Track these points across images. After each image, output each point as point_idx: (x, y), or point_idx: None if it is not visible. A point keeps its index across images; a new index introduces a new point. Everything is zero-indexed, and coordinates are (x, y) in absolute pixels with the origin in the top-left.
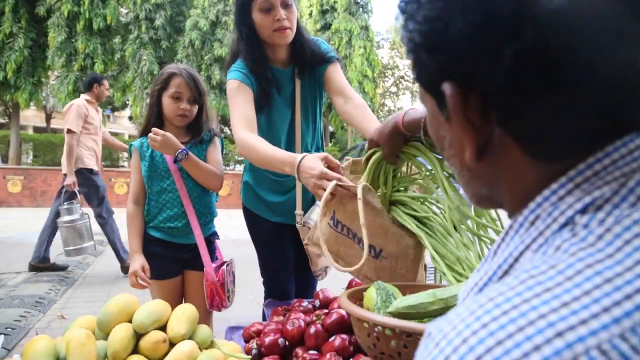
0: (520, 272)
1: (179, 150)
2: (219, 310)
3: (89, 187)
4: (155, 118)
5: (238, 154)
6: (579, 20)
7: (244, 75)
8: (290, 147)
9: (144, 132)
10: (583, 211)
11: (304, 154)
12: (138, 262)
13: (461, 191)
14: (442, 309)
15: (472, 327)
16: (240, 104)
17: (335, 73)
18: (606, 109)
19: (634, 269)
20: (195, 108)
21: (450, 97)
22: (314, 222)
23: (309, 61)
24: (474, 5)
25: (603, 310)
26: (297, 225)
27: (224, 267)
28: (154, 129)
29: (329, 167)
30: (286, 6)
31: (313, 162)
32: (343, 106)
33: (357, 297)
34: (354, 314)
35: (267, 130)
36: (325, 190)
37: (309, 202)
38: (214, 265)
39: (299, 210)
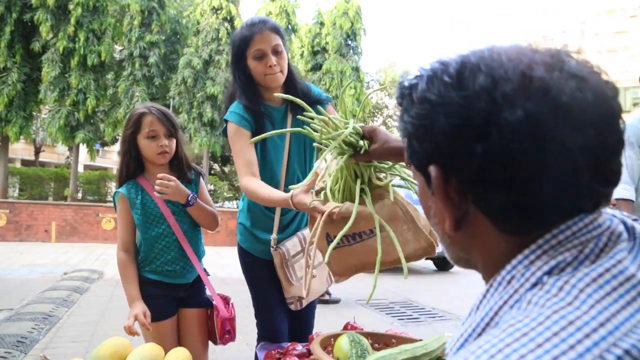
0: (502, 323)
1: (191, 195)
2: (225, 344)
3: None
4: (135, 162)
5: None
6: (532, 131)
7: (241, 117)
8: (286, 181)
9: (124, 180)
10: (549, 273)
11: (291, 192)
12: (139, 307)
13: None
14: (409, 358)
15: None
16: (241, 150)
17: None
18: (560, 197)
19: (589, 312)
20: (174, 143)
21: (435, 178)
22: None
23: (300, 99)
24: (453, 111)
25: (570, 348)
26: (271, 249)
27: (231, 301)
28: (164, 175)
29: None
30: (276, 53)
31: (304, 197)
32: None
33: (327, 343)
34: None
35: (261, 162)
36: (319, 213)
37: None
38: (215, 302)
39: (274, 235)
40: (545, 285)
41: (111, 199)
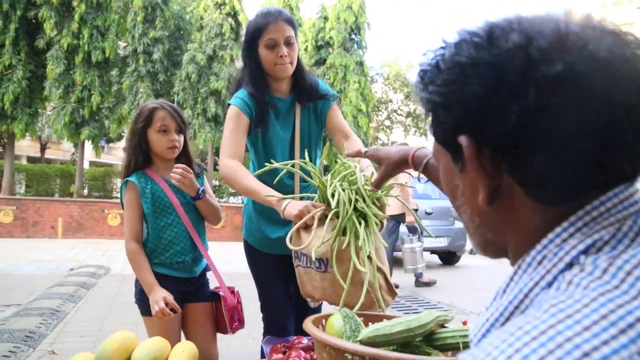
0: (541, 304)
1: (201, 189)
2: (234, 332)
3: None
4: (143, 156)
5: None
6: (572, 85)
7: (243, 102)
8: (286, 173)
9: (130, 172)
10: (585, 252)
11: (289, 200)
12: (163, 291)
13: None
14: (404, 330)
15: (506, 352)
16: (232, 132)
17: (335, 113)
18: (599, 158)
19: (639, 297)
20: (182, 138)
21: (467, 147)
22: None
23: (307, 91)
24: (485, 71)
25: (620, 332)
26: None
27: (236, 289)
28: (182, 166)
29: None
30: (288, 44)
31: (298, 204)
32: (343, 142)
33: (318, 323)
34: (326, 342)
35: (262, 148)
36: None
37: None
38: (222, 293)
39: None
40: (585, 266)
41: (117, 195)
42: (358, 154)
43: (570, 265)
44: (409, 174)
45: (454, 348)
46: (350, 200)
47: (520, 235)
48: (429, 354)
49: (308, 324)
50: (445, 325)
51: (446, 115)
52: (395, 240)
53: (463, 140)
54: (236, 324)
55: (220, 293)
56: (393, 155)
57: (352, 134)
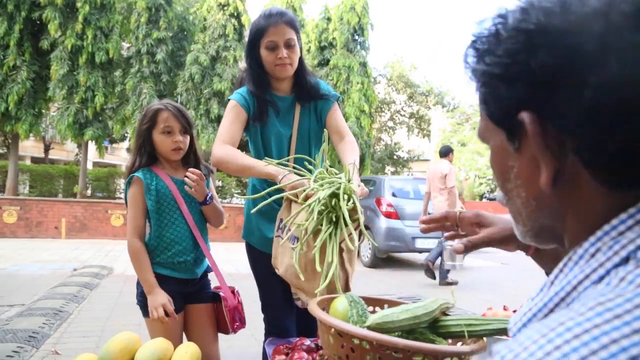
0: (587, 299)
1: (209, 195)
2: (236, 332)
3: None
4: (148, 157)
5: (214, 163)
6: None
7: (242, 97)
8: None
9: (134, 171)
10: None
11: (286, 172)
12: (164, 295)
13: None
14: (411, 317)
15: (544, 348)
16: (230, 122)
17: (335, 114)
18: None
19: None
20: (188, 139)
21: (531, 124)
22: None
23: (308, 91)
24: (557, 40)
25: None
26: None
27: (236, 289)
28: (194, 170)
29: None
30: (289, 46)
31: (292, 176)
32: (338, 144)
33: (322, 306)
34: (332, 325)
35: (262, 146)
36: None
37: None
38: (222, 293)
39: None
40: None
41: (120, 195)
42: (442, 219)
43: (626, 260)
44: (411, 174)
45: (458, 336)
46: (332, 194)
47: (581, 219)
48: (433, 342)
49: (313, 306)
50: (448, 312)
51: (507, 88)
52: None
53: (525, 116)
54: (237, 323)
55: (221, 293)
56: (507, 221)
57: (347, 135)
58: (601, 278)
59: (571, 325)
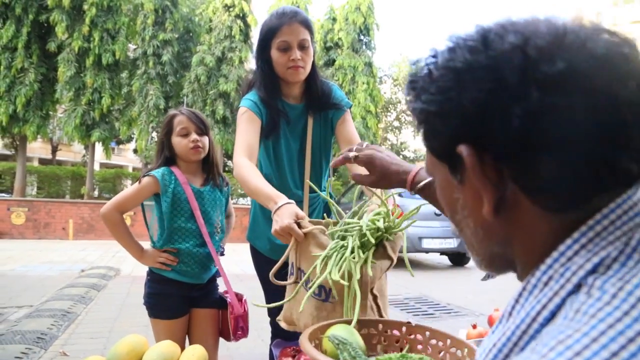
0: (548, 338)
1: (222, 249)
2: (237, 340)
3: None
4: (166, 161)
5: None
6: (576, 83)
7: (254, 104)
8: (296, 180)
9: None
10: (593, 271)
11: (286, 201)
12: (152, 250)
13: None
14: None
15: None
16: (244, 130)
17: (346, 123)
18: (606, 158)
19: None
20: (206, 140)
21: (468, 156)
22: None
23: (319, 99)
24: (483, 75)
25: None
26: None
27: (244, 298)
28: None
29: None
30: (302, 48)
31: (286, 213)
32: None
33: (314, 337)
34: None
35: (274, 158)
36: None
37: None
38: (229, 299)
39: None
40: (593, 290)
41: None
42: (346, 161)
43: (578, 287)
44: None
45: None
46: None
47: (528, 245)
48: None
49: (304, 341)
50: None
51: (443, 124)
52: None
53: (463, 149)
54: (239, 332)
55: (228, 300)
56: (391, 172)
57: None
58: (558, 307)
59: None
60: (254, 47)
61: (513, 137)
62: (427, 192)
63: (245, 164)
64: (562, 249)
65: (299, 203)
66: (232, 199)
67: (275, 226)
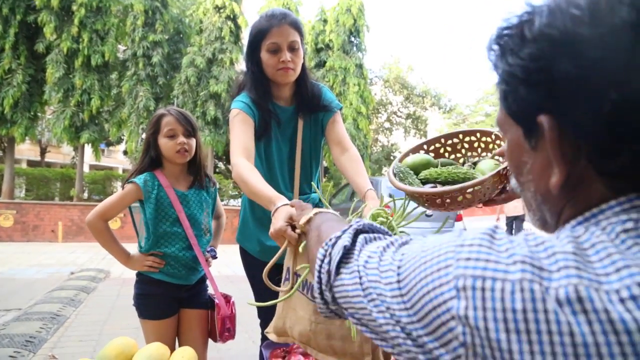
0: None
1: (213, 253)
2: (224, 342)
3: None
4: (151, 162)
5: (233, 180)
6: None
7: (246, 105)
8: (287, 182)
9: (137, 174)
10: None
11: (283, 202)
12: (138, 255)
13: None
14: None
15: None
16: (239, 131)
17: (336, 124)
18: None
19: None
20: (193, 142)
21: (549, 130)
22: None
23: (309, 101)
24: (582, 50)
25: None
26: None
27: (232, 300)
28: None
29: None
30: (292, 49)
31: (281, 216)
32: (339, 157)
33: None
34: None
35: (265, 160)
36: (277, 241)
37: None
38: (217, 301)
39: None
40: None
41: None
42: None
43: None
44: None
45: None
46: None
47: (574, 212)
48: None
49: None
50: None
51: (528, 91)
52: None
53: (545, 121)
54: (226, 334)
55: (216, 301)
56: None
57: (350, 148)
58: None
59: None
60: (245, 48)
61: (601, 120)
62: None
63: (244, 164)
64: (594, 211)
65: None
66: (222, 201)
67: (271, 228)
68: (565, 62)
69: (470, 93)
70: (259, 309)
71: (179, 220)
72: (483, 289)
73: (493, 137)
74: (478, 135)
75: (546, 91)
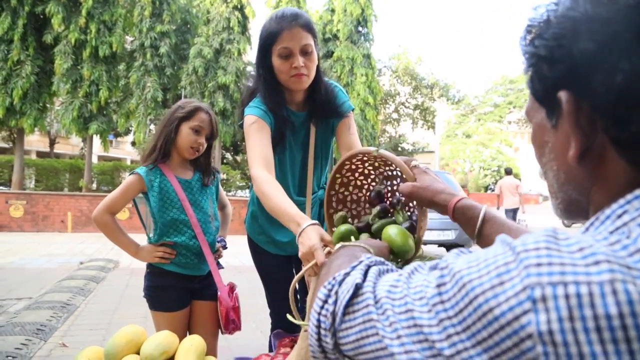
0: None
1: (223, 244)
2: (231, 333)
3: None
4: (167, 145)
5: (249, 181)
6: None
7: (263, 112)
8: (296, 187)
9: (150, 161)
10: None
11: (310, 222)
12: (147, 246)
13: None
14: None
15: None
16: (258, 141)
17: (347, 129)
18: None
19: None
20: (205, 145)
21: (566, 102)
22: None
23: (323, 107)
24: (599, 27)
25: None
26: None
27: (236, 290)
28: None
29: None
30: (305, 53)
31: (313, 235)
32: None
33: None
34: None
35: (278, 167)
36: (306, 262)
37: None
38: (219, 293)
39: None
40: None
41: None
42: (407, 163)
43: None
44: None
45: None
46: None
47: (606, 193)
48: None
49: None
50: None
51: (550, 69)
52: None
53: (563, 95)
54: (232, 325)
55: (219, 293)
56: (435, 189)
57: None
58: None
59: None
60: (252, 38)
61: (614, 91)
62: (462, 218)
63: (265, 178)
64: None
65: (300, 207)
66: (229, 192)
67: (302, 249)
68: (584, 38)
69: (479, 84)
70: (270, 301)
71: (184, 208)
72: (567, 296)
73: (374, 154)
74: (362, 156)
75: (566, 67)
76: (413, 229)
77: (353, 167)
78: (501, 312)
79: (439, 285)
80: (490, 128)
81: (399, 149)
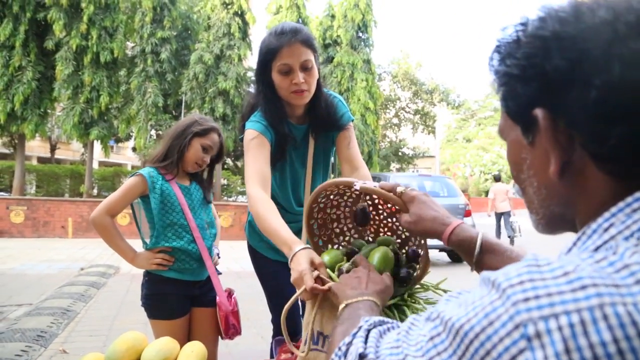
0: (564, 258)
1: (216, 256)
2: (231, 338)
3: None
4: (178, 155)
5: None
6: None
7: (264, 127)
8: (296, 197)
9: (161, 163)
10: None
11: (301, 246)
12: (143, 252)
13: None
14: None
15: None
16: (256, 157)
17: (347, 141)
18: None
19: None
20: (208, 162)
21: (543, 120)
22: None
23: (323, 121)
24: (569, 45)
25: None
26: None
27: (234, 295)
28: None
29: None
30: (305, 69)
31: (303, 260)
32: (349, 175)
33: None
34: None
35: (280, 184)
36: (298, 287)
37: None
38: (218, 298)
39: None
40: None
41: None
42: (392, 190)
43: (632, 235)
44: (416, 170)
45: None
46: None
47: (591, 206)
48: None
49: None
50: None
51: (523, 88)
52: (499, 227)
53: (539, 113)
54: (232, 330)
55: (217, 299)
56: (428, 217)
57: (360, 167)
58: (609, 250)
59: (522, 269)
60: (253, 44)
61: (588, 106)
62: (458, 249)
63: (260, 197)
64: (629, 200)
65: (301, 218)
66: (230, 197)
67: (293, 274)
68: (555, 56)
69: (479, 88)
70: (271, 308)
71: (184, 213)
72: (560, 328)
73: (355, 187)
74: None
75: (540, 85)
76: (408, 279)
77: (327, 192)
78: (498, 355)
79: (432, 338)
80: (491, 132)
81: (400, 153)
